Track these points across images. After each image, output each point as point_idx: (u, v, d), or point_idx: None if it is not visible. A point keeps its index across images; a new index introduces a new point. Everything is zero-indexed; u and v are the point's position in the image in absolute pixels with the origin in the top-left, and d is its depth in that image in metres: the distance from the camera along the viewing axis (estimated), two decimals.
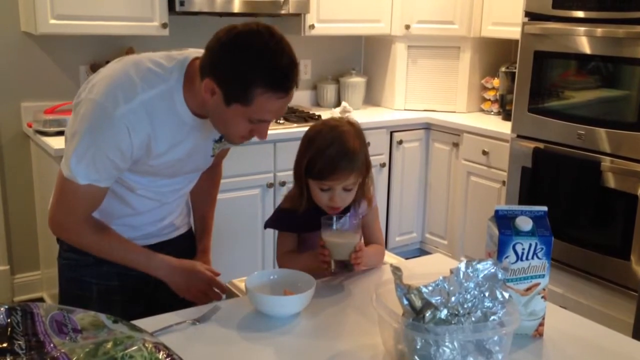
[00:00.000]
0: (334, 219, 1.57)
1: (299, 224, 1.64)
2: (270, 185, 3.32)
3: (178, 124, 1.49)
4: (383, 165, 3.77)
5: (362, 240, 1.64)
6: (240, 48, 1.35)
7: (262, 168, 3.29)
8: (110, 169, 1.46)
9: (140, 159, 1.49)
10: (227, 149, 1.78)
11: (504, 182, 3.42)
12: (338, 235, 1.57)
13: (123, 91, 1.42)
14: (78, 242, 1.58)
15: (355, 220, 1.60)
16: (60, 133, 2.95)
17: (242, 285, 1.80)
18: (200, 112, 1.49)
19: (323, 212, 1.61)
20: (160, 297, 1.69)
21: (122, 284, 1.64)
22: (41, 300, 3.36)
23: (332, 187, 1.56)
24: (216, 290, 1.66)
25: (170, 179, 1.61)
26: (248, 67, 1.35)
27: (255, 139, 1.51)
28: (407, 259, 2.10)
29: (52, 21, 2.93)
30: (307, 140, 1.59)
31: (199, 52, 1.50)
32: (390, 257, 2.09)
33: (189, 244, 1.86)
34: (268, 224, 1.73)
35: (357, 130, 1.61)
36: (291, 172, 3.54)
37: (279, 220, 1.71)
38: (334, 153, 1.53)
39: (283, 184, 3.34)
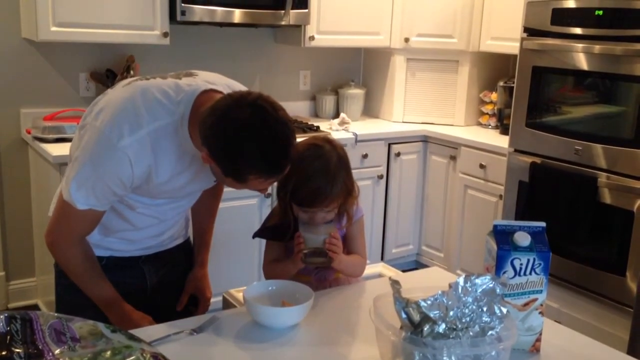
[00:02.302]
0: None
1: (283, 234, 1.65)
2: (267, 195, 3.33)
3: (180, 156, 1.49)
4: (380, 177, 3.78)
5: (341, 242, 1.65)
6: (234, 139, 1.33)
7: None
8: (110, 195, 1.47)
9: (141, 186, 1.49)
10: None
11: (500, 196, 3.43)
12: (311, 227, 1.60)
13: (128, 122, 1.42)
14: (64, 263, 1.60)
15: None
16: (59, 140, 2.96)
17: (239, 296, 1.80)
18: None
19: None
20: (156, 306, 1.69)
21: (119, 292, 1.64)
22: (36, 307, 3.35)
23: (313, 211, 1.59)
24: None
25: (170, 199, 1.61)
26: (241, 158, 1.35)
27: None
28: (403, 271, 2.11)
29: (54, 28, 2.94)
30: (290, 165, 1.58)
31: (208, 82, 1.50)
32: (387, 270, 2.09)
33: (184, 254, 1.86)
34: (256, 235, 1.74)
35: (340, 157, 1.61)
36: None
37: (265, 231, 1.73)
38: (315, 185, 1.55)
39: None
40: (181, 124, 1.45)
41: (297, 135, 2.94)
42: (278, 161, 1.38)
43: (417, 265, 4.06)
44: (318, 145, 1.61)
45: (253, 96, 1.37)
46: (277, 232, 1.66)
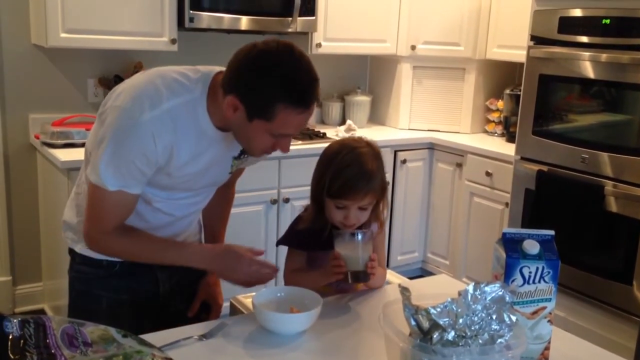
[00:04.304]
0: (344, 232, 1.59)
1: (311, 243, 1.65)
2: (274, 202, 3.34)
3: (199, 135, 1.50)
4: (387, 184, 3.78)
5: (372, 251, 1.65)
6: (262, 67, 1.39)
7: (266, 184, 3.31)
8: (136, 174, 1.46)
9: (163, 167, 1.49)
10: (242, 168, 1.79)
11: (507, 204, 3.43)
12: (353, 247, 1.58)
13: (149, 98, 1.44)
14: (111, 252, 1.58)
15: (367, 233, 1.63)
16: (68, 145, 2.98)
17: (247, 302, 1.80)
18: (222, 125, 1.51)
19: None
20: (169, 312, 1.69)
21: (132, 298, 1.65)
22: (42, 311, 3.36)
23: (348, 206, 1.59)
24: (265, 271, 1.59)
25: (186, 192, 1.61)
26: (270, 85, 1.38)
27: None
28: (410, 278, 2.11)
29: (63, 35, 2.96)
30: (326, 160, 1.61)
31: (224, 68, 1.52)
32: (394, 277, 2.09)
33: None
34: (280, 242, 1.73)
35: (375, 152, 1.64)
36: (295, 189, 3.56)
37: (291, 238, 1.72)
38: (352, 173, 1.56)
39: (287, 200, 3.35)
40: (200, 101, 1.47)
41: (303, 142, 2.97)
42: (305, 89, 1.40)
43: (423, 272, 4.06)
44: (353, 139, 1.67)
45: (279, 40, 1.43)
46: (305, 238, 1.65)
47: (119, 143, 1.43)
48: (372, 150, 1.63)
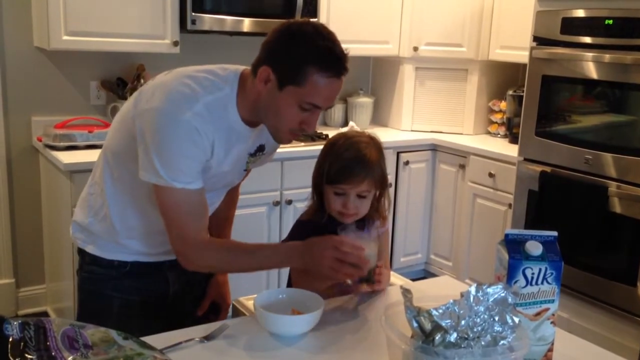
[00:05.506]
0: (349, 227, 1.59)
1: (312, 234, 1.64)
2: (276, 204, 3.33)
3: (230, 130, 1.51)
4: (389, 185, 3.78)
5: (381, 260, 1.64)
6: (296, 34, 1.44)
7: (269, 186, 3.30)
8: (193, 164, 1.45)
9: (209, 160, 1.49)
10: (249, 170, 1.80)
11: (510, 205, 3.43)
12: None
13: (184, 97, 1.45)
14: (208, 267, 1.61)
15: (372, 230, 1.63)
16: (70, 148, 2.98)
17: (248, 304, 1.80)
18: (250, 119, 1.53)
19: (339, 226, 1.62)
20: (178, 312, 1.69)
21: (142, 298, 1.65)
22: (45, 314, 3.36)
23: (346, 191, 1.59)
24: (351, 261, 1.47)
25: (207, 193, 1.61)
26: (301, 49, 1.42)
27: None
28: (413, 280, 2.10)
29: (65, 37, 2.96)
30: (325, 149, 1.64)
31: (249, 67, 1.55)
32: (397, 279, 2.08)
33: None
34: (286, 240, 1.72)
35: (375, 143, 1.65)
36: (297, 191, 3.54)
37: (296, 237, 1.71)
38: (349, 157, 1.58)
39: (290, 202, 3.35)
40: (230, 97, 1.49)
41: (306, 144, 2.96)
42: (337, 55, 1.43)
43: (426, 274, 4.05)
44: (354, 131, 1.72)
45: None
46: (307, 229, 1.63)
47: (168, 144, 1.42)
48: (372, 141, 1.64)
